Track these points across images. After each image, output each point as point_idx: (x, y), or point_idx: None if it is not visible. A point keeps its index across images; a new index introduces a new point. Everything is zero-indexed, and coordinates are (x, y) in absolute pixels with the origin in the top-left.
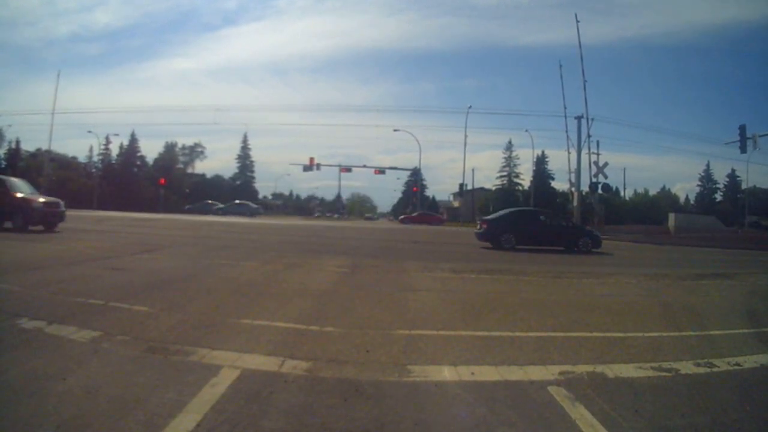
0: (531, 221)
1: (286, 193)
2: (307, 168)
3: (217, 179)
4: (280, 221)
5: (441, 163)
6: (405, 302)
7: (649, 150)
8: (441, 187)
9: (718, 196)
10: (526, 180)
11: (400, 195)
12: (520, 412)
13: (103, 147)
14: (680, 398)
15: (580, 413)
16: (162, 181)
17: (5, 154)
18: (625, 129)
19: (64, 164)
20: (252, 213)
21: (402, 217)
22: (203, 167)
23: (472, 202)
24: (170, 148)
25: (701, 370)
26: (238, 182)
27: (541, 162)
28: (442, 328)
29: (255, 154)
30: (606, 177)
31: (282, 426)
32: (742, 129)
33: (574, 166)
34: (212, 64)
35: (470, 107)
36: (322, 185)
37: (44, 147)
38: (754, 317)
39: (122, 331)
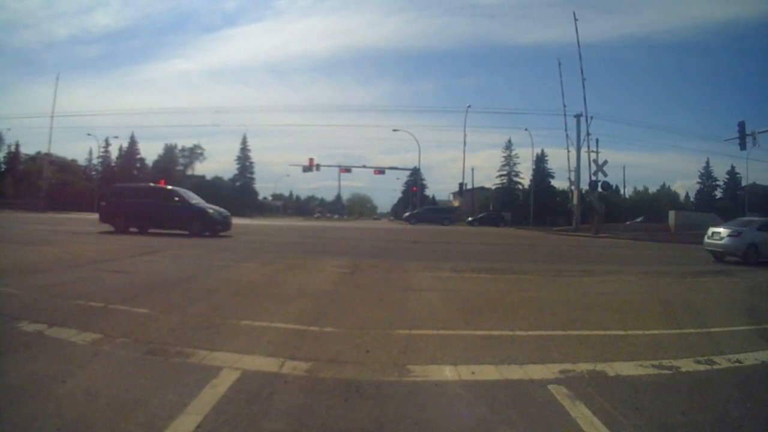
0: None
1: (286, 194)
2: (307, 169)
3: (217, 181)
4: (280, 222)
5: (441, 163)
6: (405, 302)
7: (648, 148)
8: (441, 187)
9: (718, 194)
10: (525, 179)
11: (400, 195)
12: (521, 411)
13: (102, 149)
14: (681, 396)
15: (580, 411)
16: (162, 183)
17: (5, 157)
18: (624, 127)
19: (64, 167)
20: (450, 220)
21: None
22: (203, 169)
23: (472, 201)
24: (170, 149)
25: (702, 367)
26: (237, 183)
27: (540, 161)
28: (442, 327)
29: (254, 155)
30: (605, 175)
31: (282, 427)
32: (742, 126)
33: (573, 164)
34: (211, 65)
35: (469, 106)
36: (322, 186)
37: (44, 150)
38: (755, 314)
39: (123, 333)
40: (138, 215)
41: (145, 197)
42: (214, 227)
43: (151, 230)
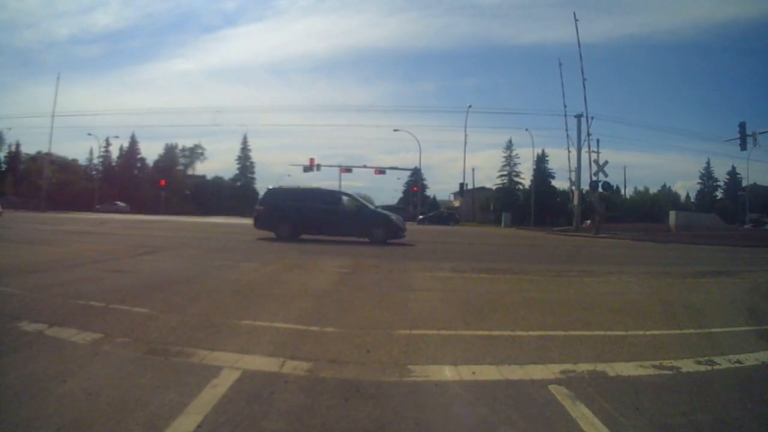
0: None
1: None
2: (308, 169)
3: (218, 180)
4: None
5: (441, 163)
6: (405, 302)
7: (649, 148)
8: (442, 187)
9: (719, 194)
10: (526, 179)
11: (400, 195)
12: (521, 412)
13: (103, 149)
14: (681, 396)
15: (581, 412)
16: (162, 182)
17: (5, 157)
18: (625, 127)
19: (65, 167)
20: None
21: None
22: (203, 169)
23: (473, 201)
24: (170, 149)
25: (702, 367)
26: (238, 183)
27: (541, 161)
28: (442, 327)
29: (255, 155)
30: (606, 175)
31: (283, 427)
32: (742, 126)
33: (574, 164)
34: (212, 65)
35: (470, 106)
36: (323, 186)
37: (44, 150)
38: (755, 314)
39: (123, 332)
40: (307, 221)
41: (313, 201)
42: (397, 234)
43: (307, 236)
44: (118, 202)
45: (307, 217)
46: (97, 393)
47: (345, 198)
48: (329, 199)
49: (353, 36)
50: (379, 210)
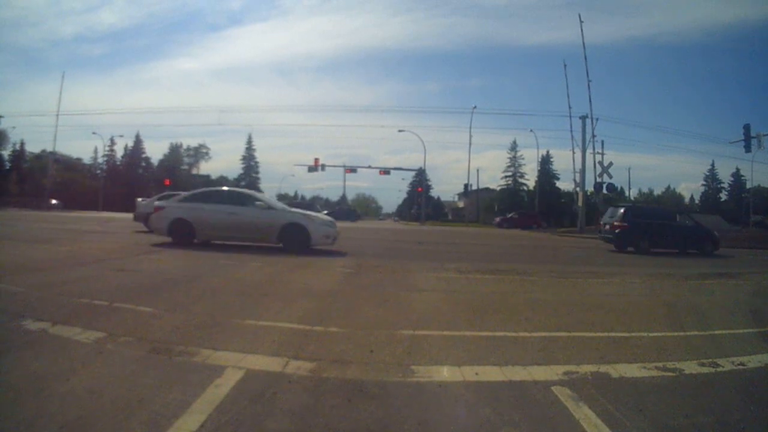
0: None
1: (291, 193)
2: (312, 169)
3: (222, 180)
4: None
5: (446, 164)
6: (409, 302)
7: (654, 150)
8: (446, 188)
9: (723, 196)
10: (530, 180)
11: (405, 195)
12: (524, 413)
13: (107, 148)
14: (684, 398)
15: (584, 413)
16: (167, 182)
17: (9, 155)
18: (629, 128)
19: (69, 165)
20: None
21: None
22: (208, 168)
23: (477, 202)
24: (175, 149)
25: (705, 369)
26: (242, 183)
27: (545, 162)
28: (446, 328)
29: (259, 155)
30: (611, 177)
31: (286, 426)
32: (747, 128)
33: (578, 166)
34: (217, 65)
35: (475, 107)
36: (327, 186)
37: (49, 148)
38: (759, 317)
39: (126, 331)
40: (658, 237)
41: (661, 218)
42: (718, 246)
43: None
44: (53, 200)
45: (659, 233)
46: (100, 392)
47: (679, 215)
48: (670, 216)
49: (358, 36)
50: (707, 226)
